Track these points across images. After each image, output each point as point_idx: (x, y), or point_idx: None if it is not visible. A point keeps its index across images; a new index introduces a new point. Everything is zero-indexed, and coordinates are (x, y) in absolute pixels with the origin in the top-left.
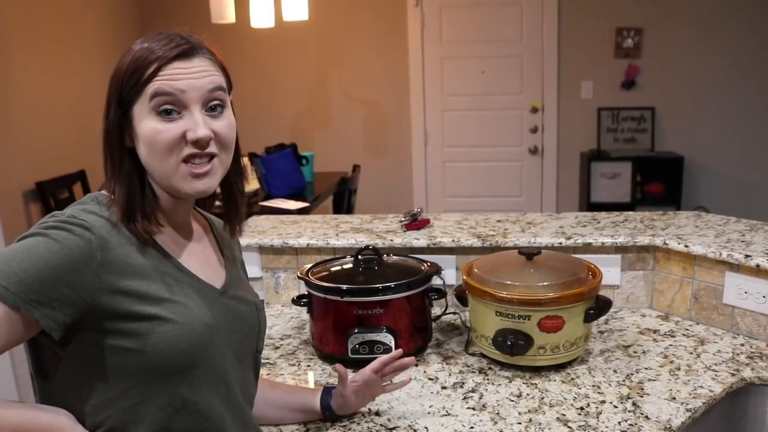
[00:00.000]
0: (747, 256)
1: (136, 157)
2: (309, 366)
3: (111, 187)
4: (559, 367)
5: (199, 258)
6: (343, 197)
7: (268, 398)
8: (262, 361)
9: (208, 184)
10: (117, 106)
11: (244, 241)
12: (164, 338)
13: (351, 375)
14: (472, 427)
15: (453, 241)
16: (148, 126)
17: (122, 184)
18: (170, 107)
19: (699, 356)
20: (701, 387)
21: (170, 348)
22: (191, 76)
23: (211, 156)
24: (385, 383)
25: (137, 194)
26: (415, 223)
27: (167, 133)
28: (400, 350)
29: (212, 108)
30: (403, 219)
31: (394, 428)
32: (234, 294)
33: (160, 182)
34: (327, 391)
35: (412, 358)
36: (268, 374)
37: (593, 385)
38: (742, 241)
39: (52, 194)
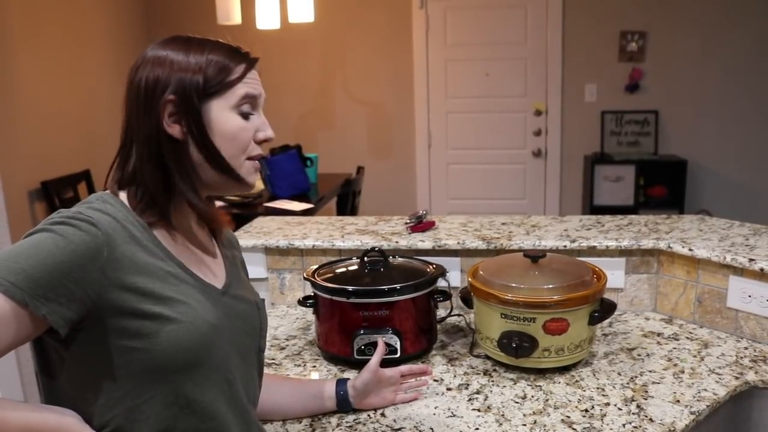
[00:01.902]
0: (751, 260)
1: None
2: (314, 367)
3: (144, 179)
4: (563, 370)
5: (201, 259)
6: (347, 199)
7: (283, 387)
8: (268, 361)
9: (257, 178)
10: (197, 98)
11: (249, 241)
12: (168, 337)
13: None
14: (477, 429)
15: (458, 243)
16: (232, 122)
17: (171, 173)
18: (250, 109)
19: (703, 359)
20: (705, 390)
21: (174, 347)
22: (259, 83)
23: (263, 157)
24: (399, 391)
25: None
26: (421, 225)
27: (248, 132)
28: (429, 368)
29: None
30: (408, 221)
31: (399, 429)
32: (234, 294)
33: (223, 170)
34: (341, 380)
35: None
36: (274, 374)
37: (597, 388)
38: (746, 245)
39: (57, 194)
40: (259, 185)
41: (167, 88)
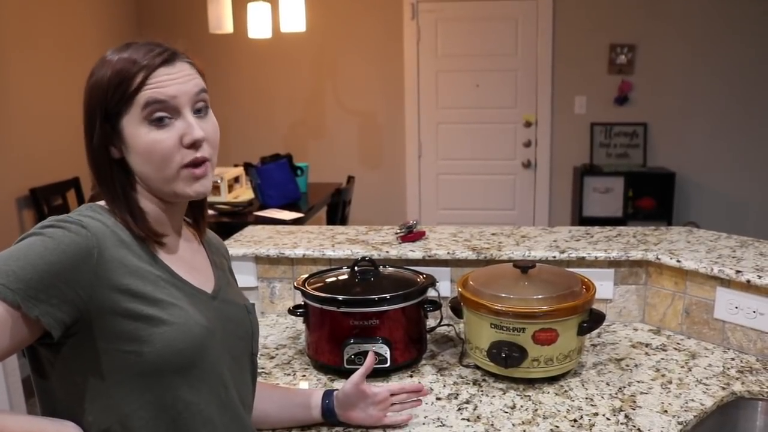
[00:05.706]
0: (738, 271)
1: (125, 168)
2: (304, 376)
3: (108, 200)
4: (552, 380)
5: (189, 264)
6: (336, 208)
7: (272, 396)
8: (257, 371)
9: (206, 185)
10: (103, 119)
11: (239, 250)
12: (161, 339)
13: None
14: None
15: (448, 253)
16: (143, 137)
17: (118, 196)
18: (163, 114)
19: (690, 370)
20: (692, 400)
21: (167, 349)
22: (178, 80)
23: (205, 159)
24: (389, 411)
25: (135, 203)
26: (411, 235)
27: (165, 142)
28: (424, 388)
29: (198, 110)
30: (398, 231)
31: None
32: (224, 298)
33: (158, 189)
34: (329, 391)
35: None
36: None
37: (586, 398)
38: (733, 257)
39: (45, 201)
40: (249, 194)
41: (95, 112)
